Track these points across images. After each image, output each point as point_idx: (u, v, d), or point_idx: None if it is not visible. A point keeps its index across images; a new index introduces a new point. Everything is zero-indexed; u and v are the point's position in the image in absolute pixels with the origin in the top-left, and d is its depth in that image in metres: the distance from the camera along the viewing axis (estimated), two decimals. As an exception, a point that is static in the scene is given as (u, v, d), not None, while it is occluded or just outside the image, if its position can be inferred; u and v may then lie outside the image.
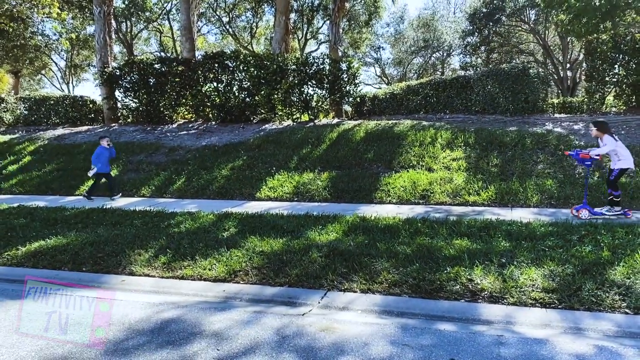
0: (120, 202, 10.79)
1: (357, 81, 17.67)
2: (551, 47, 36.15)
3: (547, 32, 35.45)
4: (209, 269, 5.83)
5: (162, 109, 18.52)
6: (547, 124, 13.26)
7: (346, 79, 17.28)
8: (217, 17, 39.54)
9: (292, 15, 32.19)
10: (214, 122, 17.91)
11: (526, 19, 35.31)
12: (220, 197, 11.08)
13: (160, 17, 40.06)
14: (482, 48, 37.98)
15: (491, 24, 34.59)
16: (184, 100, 18.53)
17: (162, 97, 18.33)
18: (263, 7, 37.99)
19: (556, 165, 10.39)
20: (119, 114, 20.19)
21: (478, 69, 36.51)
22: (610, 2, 18.74)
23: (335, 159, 11.97)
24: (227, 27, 40.21)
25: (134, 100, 18.91)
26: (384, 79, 48.63)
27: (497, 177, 10.07)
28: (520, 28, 37.24)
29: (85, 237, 7.40)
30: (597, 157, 7.86)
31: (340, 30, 20.96)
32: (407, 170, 10.96)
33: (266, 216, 8.34)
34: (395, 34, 45.97)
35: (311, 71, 16.88)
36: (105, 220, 8.61)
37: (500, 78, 14.18)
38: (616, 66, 13.60)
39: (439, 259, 5.58)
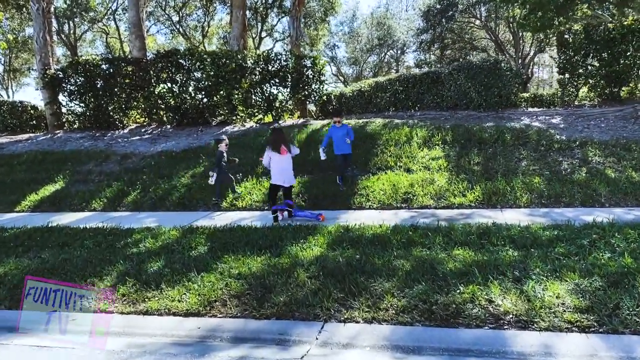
0: (68, 218, 9.59)
1: (323, 78, 16.91)
2: (503, 43, 36.61)
3: (498, 28, 35.84)
4: (179, 300, 4.92)
5: (111, 113, 17.10)
6: (523, 118, 12.87)
7: (311, 77, 16.46)
8: (166, 16, 37.95)
9: (247, 13, 31.14)
10: (169, 126, 16.73)
11: (478, 15, 35.60)
12: (182, 208, 10.04)
13: (106, 17, 38.08)
14: (436, 45, 38.08)
15: (444, 20, 34.65)
16: (135, 103, 17.21)
17: (111, 101, 16.90)
18: (215, 4, 36.69)
19: (541, 161, 9.92)
20: (64, 120, 18.58)
21: (432, 65, 36.55)
22: (565, -5, 18.76)
23: (306, 163, 11.13)
24: (178, 26, 38.70)
25: (80, 104, 17.36)
26: (340, 77, 48.11)
27: (481, 176, 9.49)
28: (472, 24, 37.54)
29: (27, 264, 6.37)
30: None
31: (302, 25, 20.07)
32: (385, 172, 10.25)
33: (237, 229, 7.44)
34: (350, 32, 45.53)
35: (273, 68, 15.96)
36: (51, 242, 7.53)
37: (471, 72, 13.70)
38: (589, 58, 13.26)
39: (445, 275, 4.88)
